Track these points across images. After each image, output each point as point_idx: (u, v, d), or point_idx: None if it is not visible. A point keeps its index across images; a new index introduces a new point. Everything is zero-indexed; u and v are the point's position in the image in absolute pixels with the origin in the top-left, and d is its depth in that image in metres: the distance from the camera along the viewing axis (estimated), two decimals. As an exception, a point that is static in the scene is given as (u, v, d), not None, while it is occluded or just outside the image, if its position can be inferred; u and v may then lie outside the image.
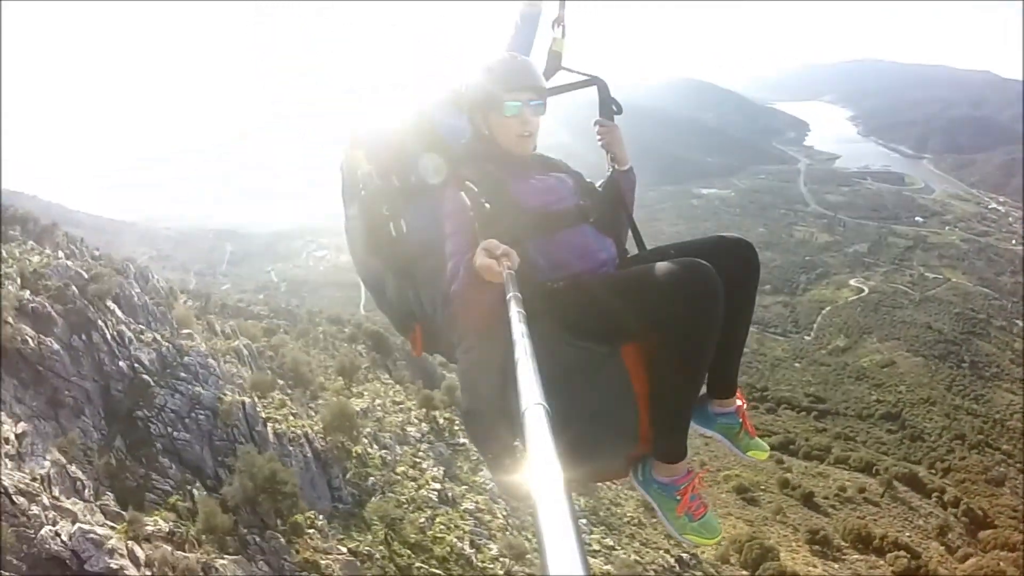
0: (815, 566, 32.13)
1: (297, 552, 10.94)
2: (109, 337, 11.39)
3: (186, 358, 13.07)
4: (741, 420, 3.02)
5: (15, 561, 6.78)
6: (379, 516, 13.90)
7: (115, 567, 7.15)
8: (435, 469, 18.17)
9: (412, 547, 13.89)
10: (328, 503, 13.76)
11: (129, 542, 7.73)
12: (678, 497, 2.71)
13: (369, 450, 17.22)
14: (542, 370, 1.19)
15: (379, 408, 20.80)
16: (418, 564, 13.41)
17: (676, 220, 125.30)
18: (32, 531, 7.10)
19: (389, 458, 17.53)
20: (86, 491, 8.38)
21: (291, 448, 13.60)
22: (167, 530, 8.72)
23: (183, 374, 12.62)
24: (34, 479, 7.81)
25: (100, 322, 11.43)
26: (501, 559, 15.06)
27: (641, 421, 2.62)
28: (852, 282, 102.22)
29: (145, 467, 10.21)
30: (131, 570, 7.28)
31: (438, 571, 13.51)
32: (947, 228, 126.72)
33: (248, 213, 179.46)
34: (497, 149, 2.91)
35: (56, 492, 7.86)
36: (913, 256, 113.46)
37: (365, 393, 22.04)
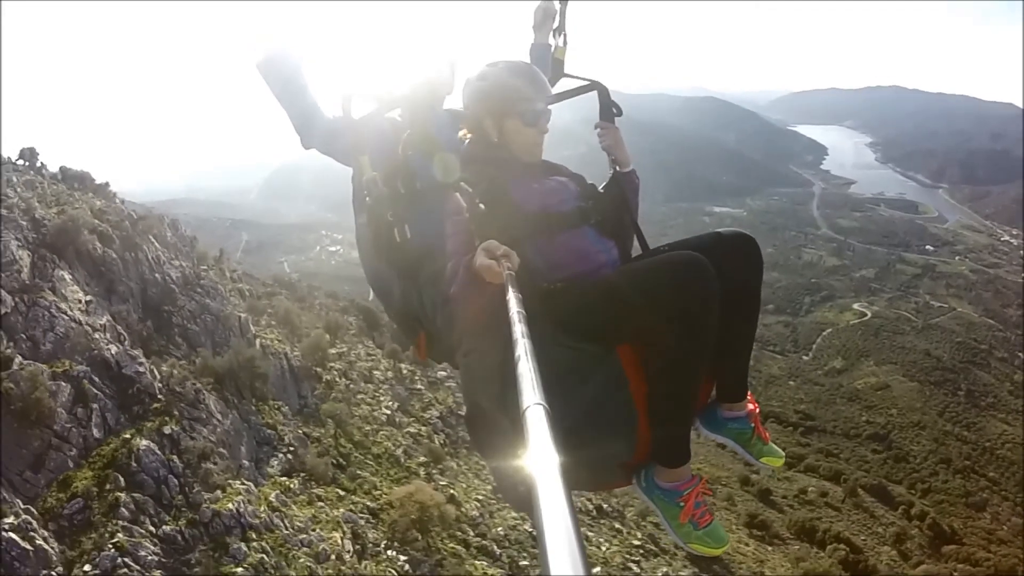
0: (747, 544, 32.88)
1: (262, 417, 15.43)
2: (149, 257, 15.98)
3: (202, 280, 17.72)
4: (753, 425, 2.98)
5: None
6: (331, 415, 18.37)
7: (142, 371, 11.80)
8: (391, 402, 22.58)
9: (354, 443, 18.22)
10: (296, 403, 18.17)
11: (151, 366, 12.34)
12: (681, 503, 2.69)
13: (336, 379, 21.70)
14: (539, 372, 1.21)
15: (352, 355, 25.26)
16: (356, 454, 17.78)
17: (686, 236, 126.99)
18: (97, 350, 11.69)
19: (352, 387, 22.04)
20: (126, 342, 12.91)
21: (271, 357, 18.01)
22: (179, 371, 13.26)
23: (198, 290, 17.25)
24: (96, 329, 12.36)
25: (144, 247, 16.04)
26: (426, 465, 19.35)
27: (640, 423, 2.62)
28: (856, 306, 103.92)
29: (166, 341, 14.85)
30: (149, 377, 11.87)
31: (371, 463, 17.87)
32: (957, 258, 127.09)
33: (266, 204, 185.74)
34: (499, 153, 3.00)
35: (108, 336, 12.41)
36: (920, 284, 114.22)
37: (343, 345, 26.53)
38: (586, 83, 3.50)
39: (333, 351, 23.93)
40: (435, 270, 2.87)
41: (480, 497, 19.23)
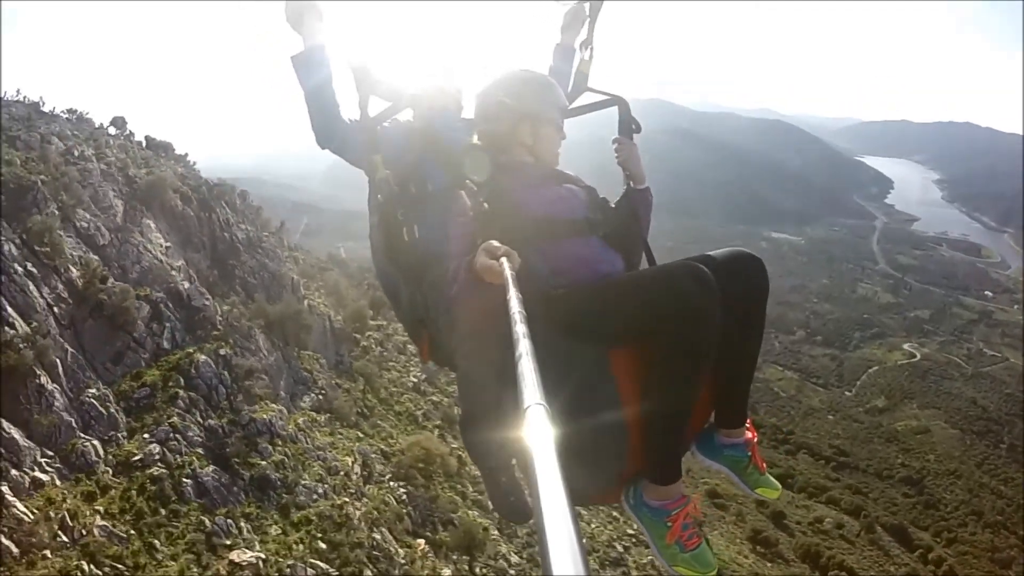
0: (747, 556, 33.13)
1: (301, 363, 18.13)
2: (220, 219, 19.00)
3: (263, 243, 20.69)
4: (750, 454, 2.94)
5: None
6: (362, 373, 21.04)
7: (207, 304, 14.64)
8: (419, 373, 25.17)
9: (379, 399, 20.87)
10: (332, 359, 20.89)
11: (215, 303, 15.17)
12: (669, 523, 2.65)
13: (372, 346, 24.41)
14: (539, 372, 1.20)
15: (391, 328, 27.97)
16: (379, 408, 20.38)
17: None
18: (172, 284, 14.55)
19: (386, 355, 24.72)
20: (196, 282, 15.75)
21: (316, 316, 20.80)
22: (237, 310, 16.06)
23: (259, 251, 20.24)
24: (173, 268, 15.21)
25: (217, 209, 19.10)
26: (440, 428, 21.82)
27: (631, 436, 2.61)
28: (906, 346, 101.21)
29: (227, 288, 17.76)
30: (212, 310, 14.67)
31: (391, 418, 20.44)
32: (1016, 307, 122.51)
33: (328, 191, 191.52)
34: (518, 158, 3.03)
35: (181, 275, 15.25)
36: (975, 330, 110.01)
37: (384, 320, 29.28)
38: (608, 97, 3.53)
39: (373, 322, 26.68)
40: (440, 274, 2.85)
41: (484, 462, 21.54)
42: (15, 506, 8.46)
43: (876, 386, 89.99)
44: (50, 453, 9.78)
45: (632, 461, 2.68)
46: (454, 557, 14.53)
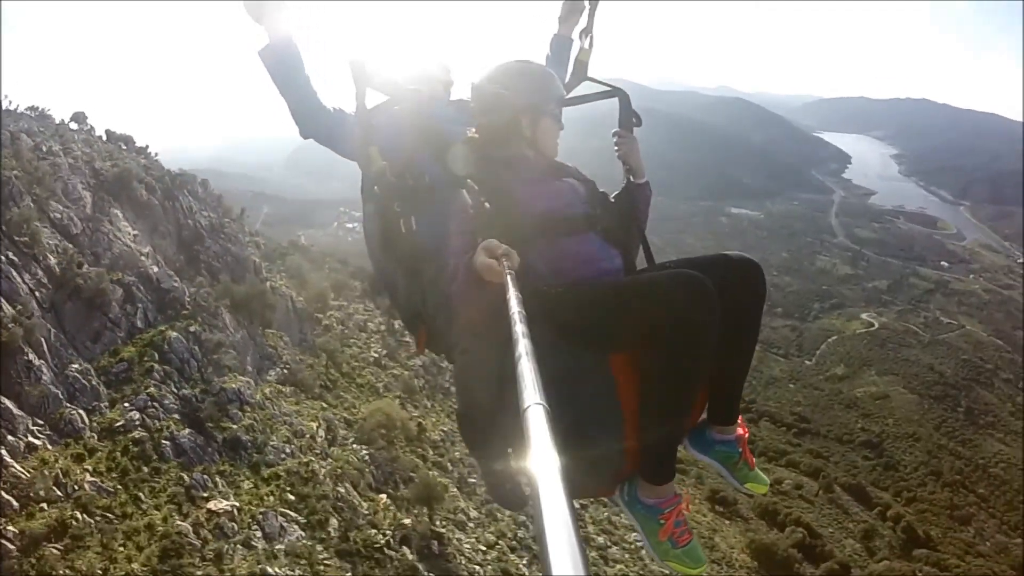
0: (704, 515, 33.95)
1: (266, 340, 19.41)
2: (184, 206, 20.14)
3: (225, 229, 21.86)
4: (741, 450, 3.02)
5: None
6: (325, 349, 22.37)
7: (176, 286, 15.88)
8: (380, 348, 26.53)
9: (342, 373, 22.23)
10: (296, 337, 22.15)
11: (183, 285, 16.41)
12: (662, 521, 2.74)
13: (334, 325, 25.71)
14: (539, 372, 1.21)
15: (351, 308, 29.28)
16: (342, 381, 21.74)
17: (704, 235, 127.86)
18: (143, 268, 15.73)
19: (347, 332, 26.04)
20: (164, 266, 16.95)
21: (279, 297, 22.04)
22: (203, 291, 17.30)
23: (222, 236, 21.40)
24: (142, 254, 16.38)
25: (180, 198, 20.23)
26: (402, 398, 23.23)
27: (627, 436, 2.66)
28: (864, 316, 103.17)
29: (194, 272, 18.97)
30: (180, 291, 15.91)
31: (354, 390, 21.79)
32: (971, 276, 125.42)
33: (288, 180, 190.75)
34: (515, 152, 3.01)
35: (150, 260, 16.44)
36: (932, 299, 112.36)
37: (345, 301, 30.55)
38: (608, 88, 3.51)
39: (335, 303, 27.98)
40: (438, 267, 2.86)
41: (445, 429, 23.04)
42: (13, 466, 9.73)
43: (836, 355, 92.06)
44: (40, 421, 11.02)
45: (628, 461, 2.76)
46: (414, 510, 15.95)
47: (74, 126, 22.63)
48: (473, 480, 20.33)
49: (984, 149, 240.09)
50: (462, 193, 2.78)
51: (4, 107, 19.59)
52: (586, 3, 3.75)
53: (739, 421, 3.02)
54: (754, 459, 3.06)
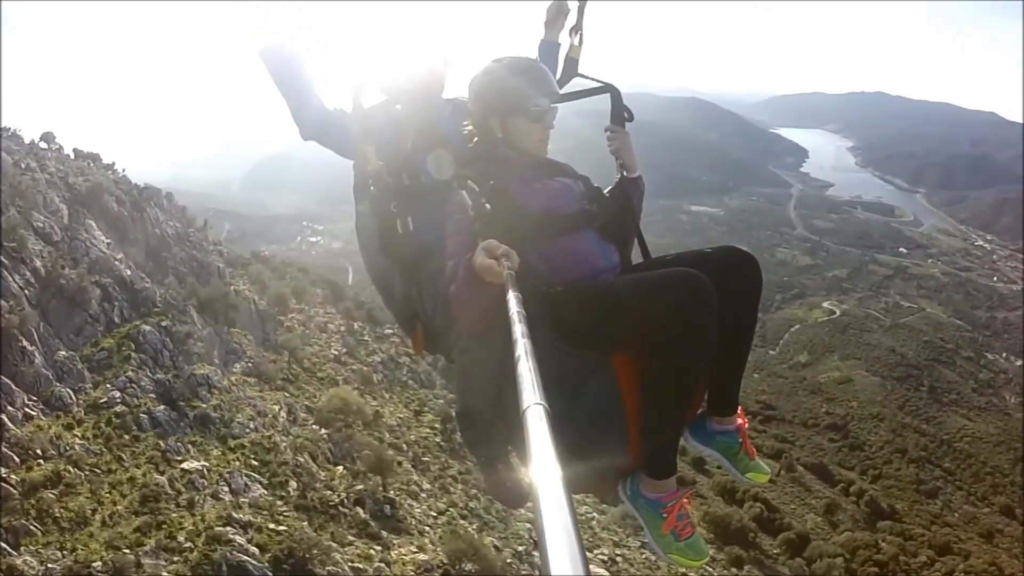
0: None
1: (232, 337, 21.49)
2: (151, 217, 22.28)
3: (191, 238, 23.96)
4: (741, 440, 3.09)
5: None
6: (287, 347, 24.46)
7: (148, 287, 17.99)
8: (340, 347, 28.64)
9: (303, 368, 24.32)
10: (260, 336, 24.22)
11: (154, 286, 18.53)
12: (664, 515, 2.79)
13: (295, 326, 27.81)
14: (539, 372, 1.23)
15: (312, 311, 31.38)
16: (304, 375, 23.84)
17: (663, 233, 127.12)
18: (117, 271, 17.82)
19: (308, 332, 28.15)
20: (135, 271, 19.03)
21: (242, 300, 24.11)
22: (172, 291, 19.40)
23: (188, 243, 23.53)
24: (116, 259, 18.46)
25: (147, 209, 22.35)
26: (360, 390, 25.20)
27: (630, 432, 2.73)
28: (825, 304, 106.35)
29: (162, 276, 21.08)
30: (151, 292, 18.03)
31: (315, 383, 23.87)
32: (930, 261, 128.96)
33: (248, 196, 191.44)
34: (503, 152, 3.05)
35: (123, 265, 18.52)
36: (891, 285, 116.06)
37: (305, 305, 32.64)
38: (599, 85, 3.54)
39: (296, 306, 30.06)
40: (436, 267, 2.90)
41: (401, 416, 25.17)
42: (13, 429, 11.80)
43: (798, 343, 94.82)
44: (34, 398, 13.08)
45: (630, 456, 2.79)
46: (369, 478, 18.04)
47: (43, 145, 24.53)
48: (427, 459, 22.33)
49: (935, 135, 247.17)
50: (461, 193, 2.81)
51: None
52: (570, 4, 3.82)
53: (739, 411, 3.11)
54: (754, 449, 3.13)
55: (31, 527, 10.02)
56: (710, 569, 26.93)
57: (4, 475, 10.61)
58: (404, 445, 22.37)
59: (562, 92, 3.45)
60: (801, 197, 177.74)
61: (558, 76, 3.69)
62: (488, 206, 2.74)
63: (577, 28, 3.74)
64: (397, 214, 3.07)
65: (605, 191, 3.26)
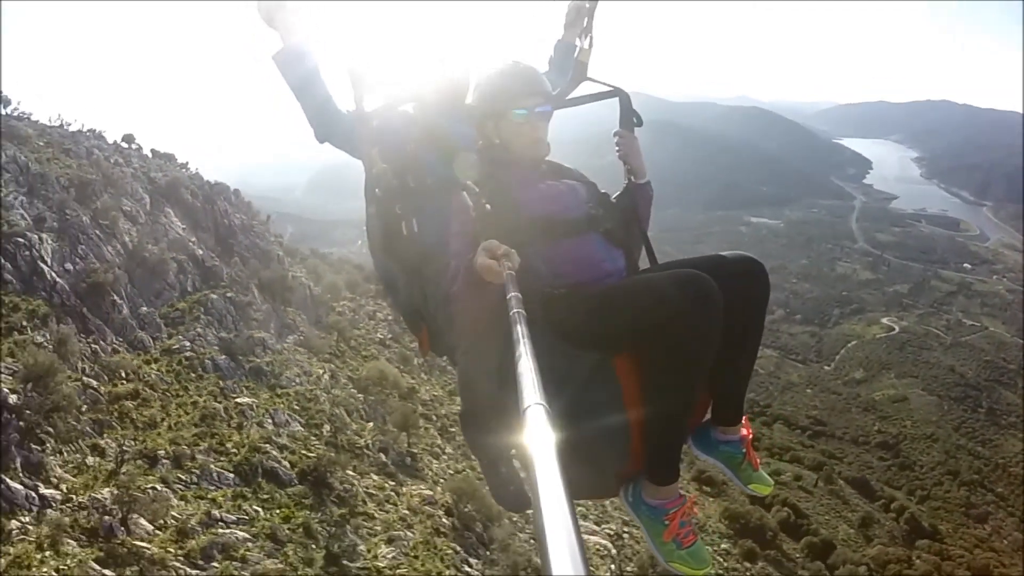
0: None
1: (287, 315, 24.87)
2: (220, 209, 25.93)
3: (254, 228, 27.66)
4: (745, 450, 3.11)
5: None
6: (336, 328, 27.83)
7: (217, 264, 21.49)
8: (386, 332, 31.93)
9: (350, 347, 27.48)
10: (312, 317, 27.53)
11: (222, 264, 22.01)
12: (666, 521, 2.82)
13: (346, 312, 31.25)
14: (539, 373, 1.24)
15: (362, 300, 34.85)
16: (349, 352, 27.00)
17: (721, 245, 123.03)
18: (191, 251, 21.36)
19: (357, 318, 31.58)
20: (206, 251, 22.54)
21: (299, 285, 27.51)
22: (237, 270, 22.87)
23: (252, 232, 27.21)
24: (190, 241, 21.98)
25: (217, 202, 26.08)
26: (400, 369, 28.43)
27: (632, 438, 2.77)
28: (884, 320, 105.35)
29: (229, 259, 24.60)
30: (220, 269, 21.49)
31: (360, 360, 27.03)
32: (995, 277, 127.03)
33: (311, 200, 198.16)
34: (507, 155, 3.13)
35: (196, 246, 22.05)
36: (954, 302, 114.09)
37: (357, 296, 36.14)
38: (608, 89, 3.56)
39: (348, 295, 33.50)
40: (439, 267, 2.95)
41: (436, 394, 28.15)
42: (103, 356, 15.15)
43: (854, 359, 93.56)
44: (120, 339, 16.45)
45: (632, 461, 2.85)
46: (395, 434, 21.04)
47: (125, 145, 28.48)
48: (454, 430, 24.88)
49: (1003, 145, 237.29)
50: (462, 195, 2.85)
51: (69, 127, 25.51)
52: (586, 3, 3.80)
53: (743, 422, 3.14)
54: (758, 460, 3.15)
55: (113, 423, 13.23)
56: (720, 559, 28.38)
57: (96, 387, 13.86)
58: (434, 416, 25.22)
59: (570, 96, 3.73)
60: (863, 209, 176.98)
61: (569, 77, 3.81)
62: (489, 207, 2.76)
63: (587, 31, 3.80)
64: (402, 216, 3.11)
65: (612, 197, 3.34)
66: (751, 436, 3.18)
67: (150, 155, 29.61)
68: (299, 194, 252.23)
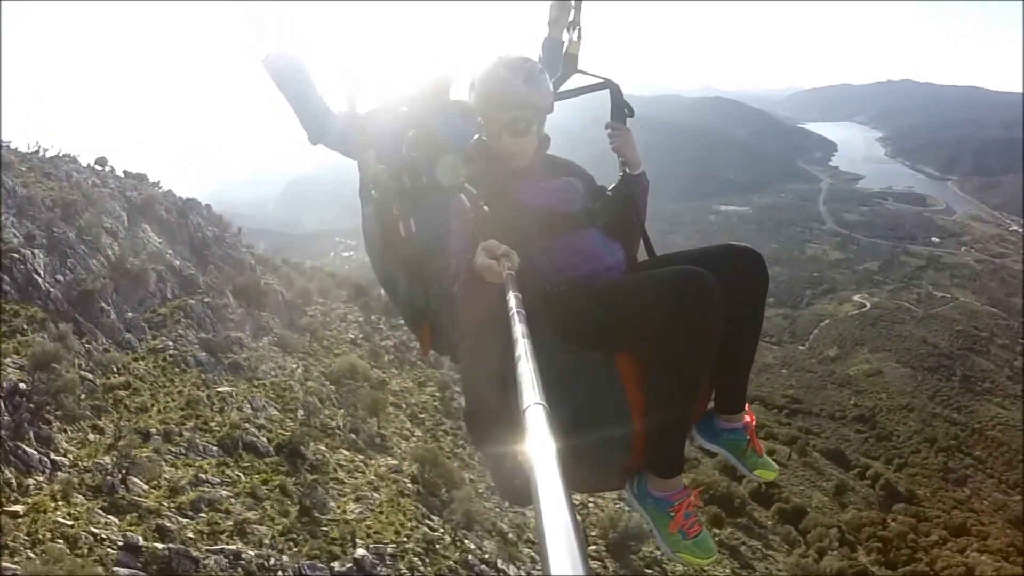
0: None
1: (261, 318, 26.92)
2: (193, 223, 27.93)
3: (227, 240, 29.66)
4: (749, 437, 3.19)
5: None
6: (309, 329, 29.86)
7: (193, 274, 23.56)
8: (357, 332, 33.97)
9: (323, 347, 29.46)
10: (285, 321, 29.51)
11: (197, 273, 24.08)
12: (672, 513, 2.87)
13: (317, 315, 33.27)
14: (539, 372, 1.26)
15: (333, 304, 36.87)
16: (322, 352, 29.11)
17: (692, 234, 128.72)
18: (169, 262, 23.42)
19: (327, 320, 33.63)
20: (182, 263, 24.57)
21: (271, 290, 29.49)
22: (212, 278, 24.93)
23: (224, 243, 29.21)
24: (167, 253, 24.03)
25: (190, 216, 28.10)
26: (372, 366, 30.52)
27: (635, 432, 2.81)
28: (856, 297, 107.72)
29: (204, 268, 26.60)
30: (196, 277, 23.55)
31: (331, 358, 29.11)
32: (963, 249, 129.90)
33: (283, 214, 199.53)
34: (501, 154, 3.12)
35: (173, 257, 24.09)
36: (924, 275, 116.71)
37: (328, 301, 38.12)
38: (599, 81, 3.61)
39: (319, 300, 35.46)
40: (440, 266, 2.97)
41: (405, 386, 30.14)
42: (95, 354, 17.15)
43: (828, 338, 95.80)
44: (110, 340, 18.45)
45: (636, 454, 2.92)
46: (366, 420, 23.07)
47: (99, 167, 30.38)
48: (423, 416, 26.98)
49: (967, 121, 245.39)
50: (461, 195, 2.86)
51: (46, 153, 27.42)
52: (572, 1, 3.89)
53: (746, 409, 3.24)
54: (762, 446, 3.26)
55: (109, 409, 15.28)
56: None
57: (92, 379, 15.87)
58: (404, 405, 27.12)
59: (562, 89, 3.73)
60: (831, 191, 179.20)
61: (559, 73, 3.81)
62: (486, 208, 2.78)
63: (575, 24, 3.84)
64: (399, 216, 3.15)
65: (608, 189, 3.37)
66: (754, 423, 3.30)
67: (123, 175, 31.46)
68: (271, 208, 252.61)
